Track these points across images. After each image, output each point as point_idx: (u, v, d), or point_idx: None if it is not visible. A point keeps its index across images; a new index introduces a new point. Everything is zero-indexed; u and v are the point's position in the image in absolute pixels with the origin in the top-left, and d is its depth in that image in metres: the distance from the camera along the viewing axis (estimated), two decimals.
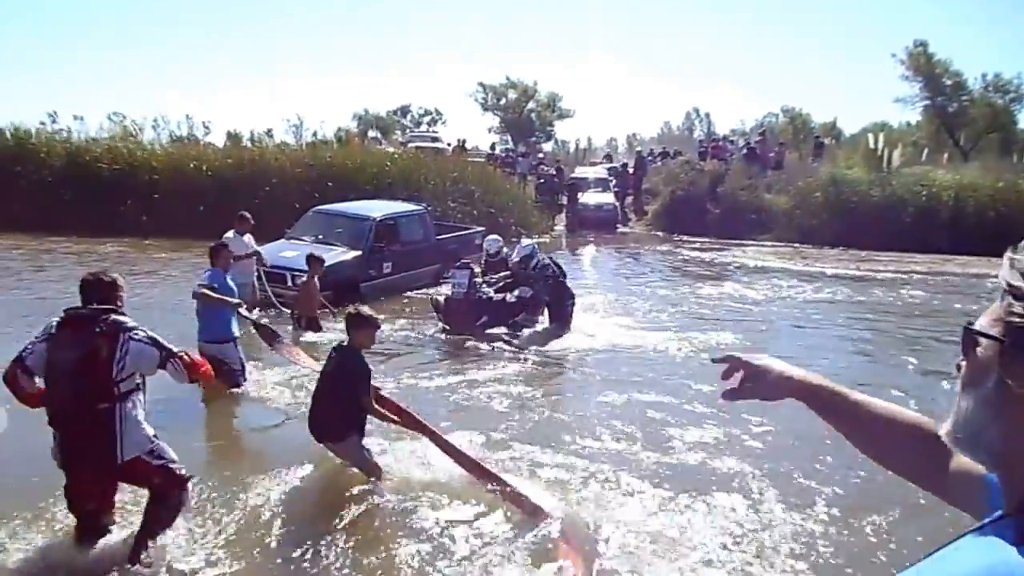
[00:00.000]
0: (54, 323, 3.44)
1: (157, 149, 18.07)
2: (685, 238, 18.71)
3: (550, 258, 8.89)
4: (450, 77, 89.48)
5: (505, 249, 9.65)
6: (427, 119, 46.42)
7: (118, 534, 3.66)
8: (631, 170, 22.43)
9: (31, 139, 17.15)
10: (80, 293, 3.51)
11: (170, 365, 3.42)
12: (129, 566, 3.41)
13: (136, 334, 3.40)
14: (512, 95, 41.73)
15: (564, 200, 21.19)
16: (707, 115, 55.99)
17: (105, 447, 3.37)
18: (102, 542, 3.58)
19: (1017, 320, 0.72)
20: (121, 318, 3.46)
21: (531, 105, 41.74)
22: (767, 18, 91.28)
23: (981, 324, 0.78)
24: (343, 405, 4.33)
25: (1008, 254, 0.77)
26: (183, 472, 3.62)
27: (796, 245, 17.70)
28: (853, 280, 13.13)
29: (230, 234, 8.26)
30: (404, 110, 46.75)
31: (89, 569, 3.47)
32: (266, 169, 16.39)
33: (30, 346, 3.43)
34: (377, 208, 11.31)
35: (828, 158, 22.60)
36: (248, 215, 8.59)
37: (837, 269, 14.41)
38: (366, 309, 4.61)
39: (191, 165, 16.48)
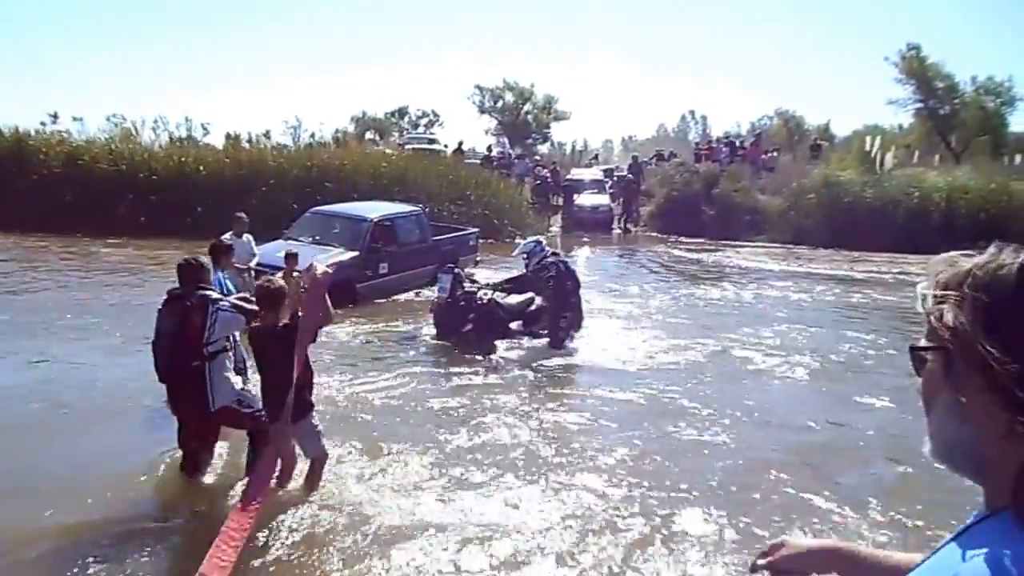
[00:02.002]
0: (162, 301, 4.35)
1: (156, 150, 18.15)
2: (680, 239, 18.86)
3: (563, 262, 8.16)
4: (448, 79, 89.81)
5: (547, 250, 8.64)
6: (424, 121, 46.51)
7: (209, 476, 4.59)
8: (630, 176, 21.96)
9: (30, 139, 17.21)
10: (177, 274, 4.37)
11: (256, 321, 4.27)
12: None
13: (223, 305, 4.27)
14: (509, 97, 41.84)
15: (559, 201, 21.33)
16: (703, 118, 56.36)
17: (200, 397, 4.22)
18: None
19: (944, 331, 0.77)
20: (208, 293, 4.30)
21: (528, 107, 41.85)
22: (762, 22, 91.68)
23: (923, 342, 0.82)
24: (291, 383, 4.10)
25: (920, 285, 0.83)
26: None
27: (790, 246, 17.86)
28: (845, 281, 13.28)
29: (227, 236, 8.32)
30: (402, 112, 46.84)
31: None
32: (264, 170, 16.49)
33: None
34: (374, 209, 11.41)
35: (822, 160, 22.78)
36: (244, 216, 8.63)
37: (830, 270, 14.57)
38: (276, 281, 4.38)
39: (190, 166, 16.57)
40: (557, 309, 7.88)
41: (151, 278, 11.12)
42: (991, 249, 0.78)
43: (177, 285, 4.36)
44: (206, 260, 4.58)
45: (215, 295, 4.35)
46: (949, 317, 0.76)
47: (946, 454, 0.80)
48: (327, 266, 4.32)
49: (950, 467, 0.80)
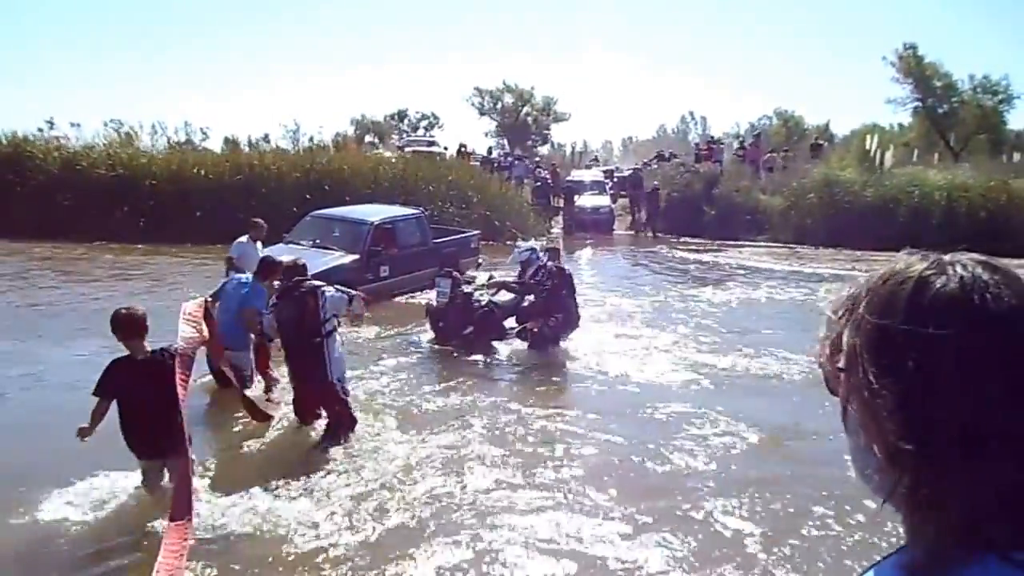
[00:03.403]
0: (272, 299, 5.36)
1: (155, 154, 18.12)
2: (681, 240, 18.83)
3: (558, 266, 8.09)
4: (447, 81, 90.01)
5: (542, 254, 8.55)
6: (424, 123, 46.51)
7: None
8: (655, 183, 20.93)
9: (27, 145, 17.17)
10: (284, 272, 5.45)
11: (354, 302, 5.30)
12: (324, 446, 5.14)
13: (326, 289, 5.18)
14: (508, 99, 41.88)
15: (560, 203, 21.30)
16: (703, 118, 56.45)
17: (319, 369, 5.03)
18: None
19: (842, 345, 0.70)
20: (313, 282, 5.25)
21: (527, 109, 41.89)
22: (760, 22, 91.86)
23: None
24: (169, 414, 3.80)
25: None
26: (354, 413, 5.26)
27: (791, 245, 17.83)
28: (846, 280, 13.20)
29: (244, 239, 8.27)
30: (401, 114, 46.83)
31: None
32: (264, 174, 16.46)
33: (263, 319, 5.38)
34: (374, 212, 11.38)
35: (822, 159, 22.79)
36: (262, 222, 8.57)
37: (831, 269, 14.54)
38: (138, 308, 4.08)
39: (190, 170, 16.53)
40: (546, 311, 7.80)
41: (149, 282, 11.09)
42: (899, 258, 0.69)
43: (286, 283, 5.34)
44: (307, 262, 5.61)
45: (317, 283, 5.25)
46: (845, 336, 0.70)
47: (861, 478, 0.72)
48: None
49: (874, 493, 0.71)
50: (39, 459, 4.71)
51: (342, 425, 5.16)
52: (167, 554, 3.28)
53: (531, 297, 8.12)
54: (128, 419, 3.99)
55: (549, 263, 8.09)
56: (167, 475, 4.17)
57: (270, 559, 3.78)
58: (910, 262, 0.69)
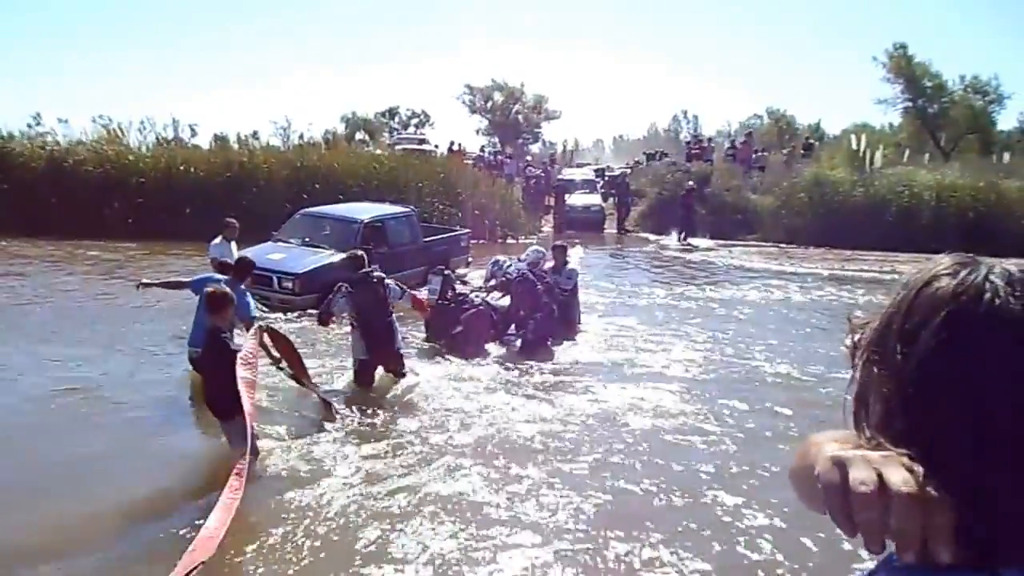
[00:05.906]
0: (344, 287, 6.16)
1: (143, 151, 17.95)
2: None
3: (520, 273, 8.02)
4: (438, 78, 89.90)
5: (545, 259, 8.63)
6: (415, 121, 46.33)
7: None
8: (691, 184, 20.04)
9: (13, 141, 16.97)
10: (351, 263, 6.48)
11: (404, 296, 6.57)
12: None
13: (389, 281, 6.41)
14: (499, 97, 41.77)
15: (551, 201, 21.26)
16: (695, 117, 56.57)
17: (394, 339, 6.38)
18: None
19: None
20: (379, 273, 6.41)
21: (518, 107, 41.81)
22: (752, 22, 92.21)
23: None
24: (224, 384, 4.62)
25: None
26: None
27: (781, 245, 17.90)
28: (837, 280, 13.30)
29: (218, 240, 8.25)
30: (392, 112, 46.57)
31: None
32: (254, 171, 16.35)
33: (332, 301, 6.16)
34: (365, 210, 11.32)
35: (813, 159, 22.87)
36: (235, 222, 8.56)
37: (820, 268, 14.59)
38: (219, 290, 4.97)
39: (179, 168, 16.39)
40: (528, 312, 7.79)
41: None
42: (938, 258, 0.66)
43: (356, 273, 6.29)
44: (361, 252, 6.59)
45: (382, 274, 6.35)
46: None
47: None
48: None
49: None
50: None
51: (403, 376, 6.49)
52: (233, 479, 3.96)
53: (506, 300, 8.08)
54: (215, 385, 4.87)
55: (512, 270, 8.12)
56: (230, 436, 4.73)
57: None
58: (941, 261, 0.66)
